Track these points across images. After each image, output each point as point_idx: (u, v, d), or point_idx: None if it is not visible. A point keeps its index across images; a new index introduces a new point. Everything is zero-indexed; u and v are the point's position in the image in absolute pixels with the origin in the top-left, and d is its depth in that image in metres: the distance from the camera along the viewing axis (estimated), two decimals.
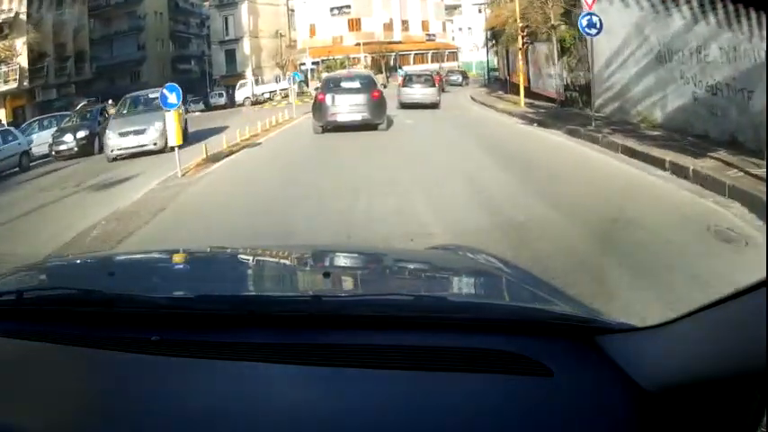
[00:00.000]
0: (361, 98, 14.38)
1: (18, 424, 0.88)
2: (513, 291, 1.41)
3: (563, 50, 15.66)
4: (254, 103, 40.93)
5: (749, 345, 0.71)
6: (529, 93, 18.05)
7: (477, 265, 1.63)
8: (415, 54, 52.60)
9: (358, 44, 45.18)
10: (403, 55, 49.17)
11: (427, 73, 23.69)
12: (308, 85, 41.36)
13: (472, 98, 25.02)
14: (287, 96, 40.49)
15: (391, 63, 48.30)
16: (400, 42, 49.83)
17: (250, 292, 1.47)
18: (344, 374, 0.97)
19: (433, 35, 58.38)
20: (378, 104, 14.41)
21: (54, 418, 0.90)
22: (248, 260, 1.77)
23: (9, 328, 1.16)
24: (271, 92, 43.79)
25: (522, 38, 17.54)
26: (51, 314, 1.19)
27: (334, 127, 13.90)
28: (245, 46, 49.13)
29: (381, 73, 48.57)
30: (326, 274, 1.43)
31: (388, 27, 48.84)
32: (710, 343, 0.81)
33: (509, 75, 24.36)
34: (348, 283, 1.54)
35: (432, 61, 52.55)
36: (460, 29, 65.64)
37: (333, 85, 14.89)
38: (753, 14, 0.87)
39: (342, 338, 1.05)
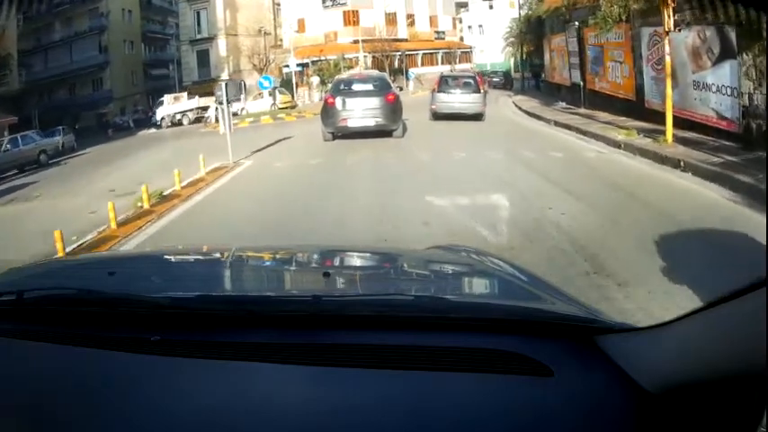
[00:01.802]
0: (374, 101, 13.81)
1: (18, 424, 0.95)
2: (514, 290, 1.48)
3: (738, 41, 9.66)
4: (174, 125, 35.34)
5: (749, 345, 0.76)
6: (639, 112, 12.67)
7: (478, 265, 1.73)
8: (424, 54, 47.19)
9: (356, 41, 37.70)
10: (409, 54, 40.55)
11: (468, 74, 20.24)
12: (293, 95, 31.80)
13: (525, 111, 19.88)
14: (200, 120, 31.79)
15: (396, 64, 39.23)
16: (405, 40, 47.67)
17: (250, 292, 1.57)
18: (344, 374, 1.06)
19: (443, 33, 53.27)
20: (393, 108, 13.93)
21: (54, 418, 0.97)
22: (248, 260, 1.87)
23: (9, 328, 1.26)
24: (182, 112, 37.29)
25: (674, 11, 10.24)
26: (51, 314, 1.29)
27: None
28: (221, 46, 41.21)
29: None
30: (326, 274, 1.53)
31: (392, 21, 41.90)
32: (710, 343, 0.88)
33: (584, 80, 18.49)
34: (348, 283, 1.64)
35: (443, 62, 48.72)
36: (470, 27, 60.08)
37: (344, 88, 14.53)
38: (753, 14, 0.91)
39: (342, 338, 1.15)
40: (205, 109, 35.45)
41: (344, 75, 19.27)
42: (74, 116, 33.85)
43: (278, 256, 1.95)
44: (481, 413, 0.95)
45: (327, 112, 14.15)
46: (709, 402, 0.84)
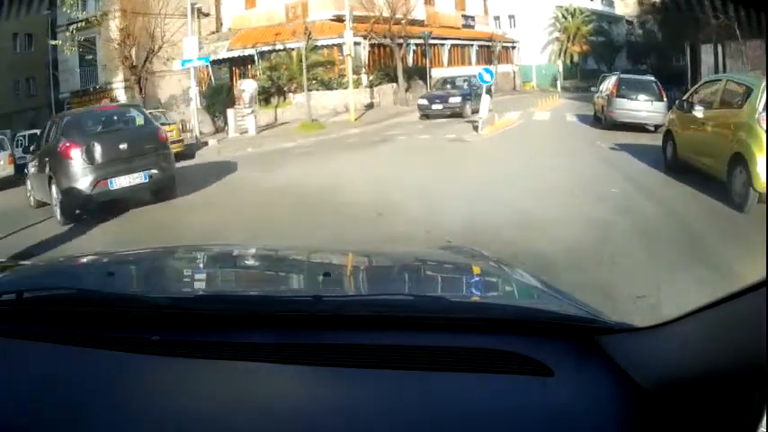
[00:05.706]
0: (140, 144, 9.22)
1: (18, 424, 0.96)
2: (514, 290, 1.51)
3: None
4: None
5: (749, 344, 0.78)
6: None
7: (478, 265, 1.74)
8: (452, 45, 32.09)
9: (339, 19, 18.09)
10: (432, 44, 29.11)
11: (648, 78, 17.22)
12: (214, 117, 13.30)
13: None
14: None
15: (410, 60, 27.24)
16: (422, 23, 29.44)
17: (250, 292, 1.59)
18: (344, 374, 1.08)
19: (472, 18, 36.83)
20: (167, 153, 9.67)
21: (54, 418, 0.99)
22: (248, 260, 1.89)
23: (9, 328, 1.27)
24: None
25: None
26: (51, 314, 1.31)
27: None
28: (113, 32, 22.25)
29: (396, 81, 24.57)
30: (326, 274, 1.56)
31: None
32: (710, 343, 0.90)
33: None
34: (348, 283, 1.66)
35: (478, 61, 31.79)
36: (496, 18, 43.70)
37: (84, 127, 9.64)
38: (753, 15, 0.90)
39: (342, 338, 1.16)
40: None
41: (71, 110, 14.79)
42: None
43: (278, 256, 1.97)
44: (481, 413, 0.96)
45: (64, 170, 8.87)
46: (709, 402, 0.85)
